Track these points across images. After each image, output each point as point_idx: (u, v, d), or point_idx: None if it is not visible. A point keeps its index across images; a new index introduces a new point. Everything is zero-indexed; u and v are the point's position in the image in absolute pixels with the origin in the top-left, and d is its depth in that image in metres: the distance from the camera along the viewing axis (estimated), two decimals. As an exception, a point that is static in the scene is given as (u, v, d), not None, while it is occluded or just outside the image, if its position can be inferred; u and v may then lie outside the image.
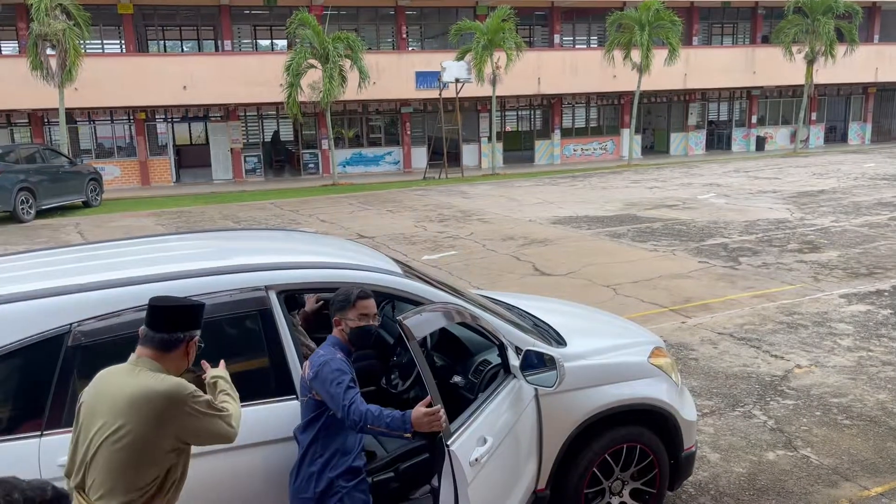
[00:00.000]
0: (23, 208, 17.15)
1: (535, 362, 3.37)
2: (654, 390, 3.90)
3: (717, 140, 34.24)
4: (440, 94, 25.30)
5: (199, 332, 2.48)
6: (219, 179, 26.70)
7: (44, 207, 17.92)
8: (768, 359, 6.68)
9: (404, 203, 18.93)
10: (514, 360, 3.38)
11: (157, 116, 26.90)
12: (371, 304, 3.07)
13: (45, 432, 2.69)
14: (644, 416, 3.89)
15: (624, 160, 29.78)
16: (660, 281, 9.68)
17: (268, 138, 30.75)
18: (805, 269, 10.08)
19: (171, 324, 2.41)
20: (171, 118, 27.49)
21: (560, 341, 3.89)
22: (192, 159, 29.56)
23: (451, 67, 24.41)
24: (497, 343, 3.41)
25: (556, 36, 30.63)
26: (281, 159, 30.44)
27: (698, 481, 4.61)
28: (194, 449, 2.70)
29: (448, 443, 2.73)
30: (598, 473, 3.79)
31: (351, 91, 23.36)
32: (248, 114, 28.25)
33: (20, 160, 17.69)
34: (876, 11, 34.67)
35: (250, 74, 24.76)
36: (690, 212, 15.52)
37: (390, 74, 26.38)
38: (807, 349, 6.89)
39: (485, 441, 2.97)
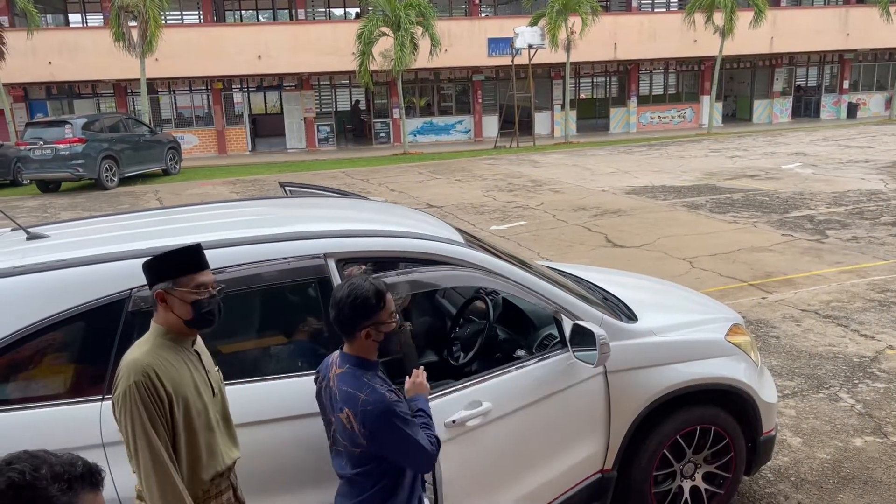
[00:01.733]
0: (107, 176, 17.81)
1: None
2: (730, 369, 3.67)
3: (805, 107, 32.54)
4: (512, 61, 24.85)
5: (169, 282, 2.23)
6: (292, 148, 27.11)
7: (126, 175, 18.57)
8: (857, 338, 6.27)
9: (473, 172, 18.74)
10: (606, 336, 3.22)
11: (233, 86, 27.43)
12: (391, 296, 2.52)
13: (105, 396, 2.70)
14: (720, 396, 3.67)
15: (703, 128, 28.67)
16: (739, 254, 9.24)
17: (342, 107, 30.96)
18: (900, 243, 9.45)
19: (148, 280, 2.30)
20: (247, 88, 28.00)
21: (631, 316, 3.69)
22: (266, 128, 30.11)
23: (525, 33, 23.88)
24: (553, 313, 3.26)
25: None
26: (353, 128, 30.66)
27: (778, 466, 4.35)
28: (261, 414, 2.63)
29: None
30: (669, 455, 3.60)
31: (422, 59, 23.20)
32: (321, 83, 28.48)
33: (104, 129, 18.33)
34: None
35: (323, 43, 24.92)
36: (774, 182, 14.78)
37: (462, 41, 26.06)
38: (900, 329, 6.44)
39: (479, 405, 2.91)
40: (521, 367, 3.17)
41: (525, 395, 3.12)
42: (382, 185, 16.94)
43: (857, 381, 5.45)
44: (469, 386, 3.01)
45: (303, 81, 27.03)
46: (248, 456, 2.58)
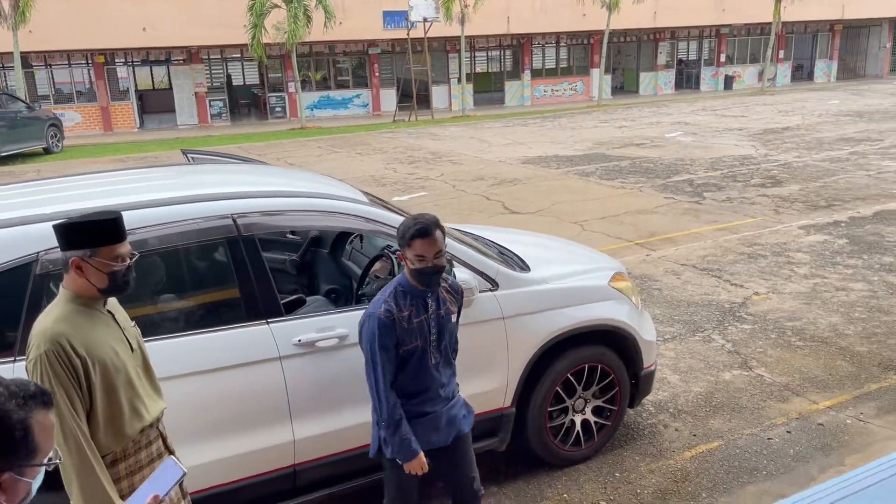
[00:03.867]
0: (-19, 155, 16.73)
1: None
2: (614, 312, 4.05)
3: (686, 79, 34.29)
4: (408, 34, 24.89)
5: (87, 251, 2.22)
6: (184, 124, 26.21)
7: (3, 154, 17.49)
8: (728, 287, 6.91)
9: (373, 145, 18.80)
10: (473, 282, 3.50)
11: (116, 60, 26.14)
12: (428, 243, 2.85)
13: (17, 358, 2.74)
14: (605, 336, 4.05)
15: (594, 100, 29.74)
16: (626, 216, 9.85)
17: (235, 81, 30.09)
18: (767, 202, 10.31)
19: (61, 244, 2.26)
20: (132, 62, 26.75)
21: (524, 267, 4.00)
22: (155, 104, 28.91)
23: (419, 6, 23.95)
24: (447, 261, 3.54)
25: (525, -27, 30.08)
26: (247, 102, 29.92)
27: (658, 400, 4.82)
28: (174, 370, 2.76)
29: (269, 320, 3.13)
30: (562, 392, 3.95)
31: (317, 31, 22.88)
32: (211, 57, 27.57)
33: (-25, 106, 17.16)
34: (845, -53, 34.51)
35: (213, 15, 24.09)
36: (658, 150, 15.65)
37: (357, 14, 25.84)
38: (765, 277, 7.13)
39: (332, 330, 3.27)
40: None
41: None
42: (280, 159, 16.74)
43: (727, 325, 6.03)
44: (327, 314, 3.36)
45: (192, 55, 26.09)
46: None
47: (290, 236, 4.93)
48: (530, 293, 3.79)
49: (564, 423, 4.02)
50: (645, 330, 4.24)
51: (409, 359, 2.98)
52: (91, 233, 2.22)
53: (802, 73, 36.44)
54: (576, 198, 11.18)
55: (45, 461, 1.37)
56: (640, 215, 9.88)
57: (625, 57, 34.39)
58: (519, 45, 30.71)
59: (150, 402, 2.43)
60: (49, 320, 2.23)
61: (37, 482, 1.37)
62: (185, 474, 1.73)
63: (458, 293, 3.18)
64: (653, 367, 4.32)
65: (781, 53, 34.61)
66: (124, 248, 2.28)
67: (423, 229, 2.85)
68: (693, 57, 35.02)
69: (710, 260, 7.75)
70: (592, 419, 4.11)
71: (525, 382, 3.82)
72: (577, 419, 4.07)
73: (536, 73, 31.26)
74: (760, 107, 24.38)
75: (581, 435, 4.08)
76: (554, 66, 32.38)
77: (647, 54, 33.19)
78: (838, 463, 4.03)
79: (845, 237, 8.40)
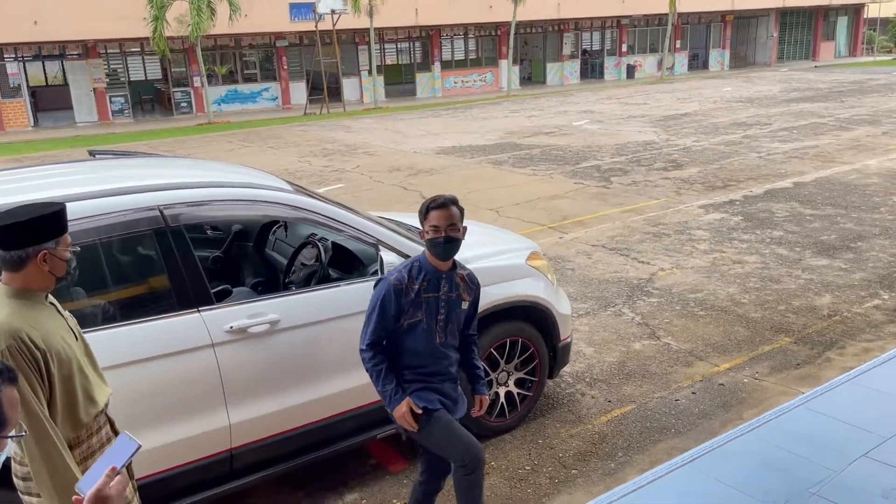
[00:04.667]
0: None
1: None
2: (532, 288, 4.29)
3: (591, 69, 35.35)
4: (316, 27, 24.66)
5: (53, 242, 2.26)
6: (83, 122, 25.09)
7: None
8: (636, 265, 7.32)
9: (286, 139, 18.60)
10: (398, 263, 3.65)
11: (5, 55, 24.73)
12: (443, 214, 3.04)
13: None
14: (524, 312, 4.28)
15: (503, 91, 30.28)
16: (539, 202, 10.20)
17: (134, 77, 29.00)
18: (669, 184, 10.90)
19: (15, 241, 2.23)
20: (23, 57, 25.36)
21: (446, 249, 4.17)
22: (50, 101, 27.52)
23: (327, -2, 23.76)
24: (374, 246, 3.69)
25: (431, -35, 30.26)
26: (150, 98, 28.90)
27: (575, 371, 5.11)
28: (107, 361, 2.79)
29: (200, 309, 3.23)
30: (486, 366, 4.16)
31: (221, 24, 22.37)
32: (109, 51, 26.48)
33: None
34: (733, -59, 36.38)
35: (110, 8, 23.12)
36: (566, 138, 16.18)
37: (263, 6, 25.37)
38: (669, 254, 7.59)
39: (263, 316, 3.35)
40: (325, 289, 3.63)
41: (326, 311, 3.54)
42: (190, 155, 16.33)
43: (636, 299, 6.42)
44: (259, 301, 3.44)
45: (89, 49, 24.98)
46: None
47: (213, 232, 4.94)
48: (453, 273, 3.96)
49: (490, 395, 4.23)
50: (561, 304, 4.50)
51: (414, 332, 3.11)
52: (58, 224, 2.28)
53: (698, 62, 38.20)
54: (490, 185, 11.47)
55: (12, 434, 1.44)
56: (552, 200, 10.26)
57: (532, 48, 35.13)
58: (428, 37, 30.90)
59: (99, 388, 2.48)
60: (2, 317, 2.22)
61: (4, 454, 1.44)
62: (140, 447, 1.80)
63: (474, 283, 3.32)
64: (569, 340, 4.59)
65: (679, 43, 36.18)
66: (68, 237, 2.35)
67: (439, 202, 3.06)
68: (597, 47, 36.14)
69: (618, 240, 8.17)
70: (515, 391, 4.35)
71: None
72: (501, 391, 4.29)
73: (447, 65, 31.54)
74: (661, 94, 25.48)
75: (505, 406, 4.30)
76: (463, 58, 32.75)
77: (553, 45, 34.02)
78: (737, 417, 4.41)
79: (740, 214, 9.00)
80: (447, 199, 3.08)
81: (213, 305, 3.30)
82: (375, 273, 3.78)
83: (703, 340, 5.53)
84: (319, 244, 4.07)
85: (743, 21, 38.90)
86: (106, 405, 2.48)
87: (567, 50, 34.00)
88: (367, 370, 3.15)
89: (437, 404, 3.13)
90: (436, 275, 3.13)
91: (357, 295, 3.64)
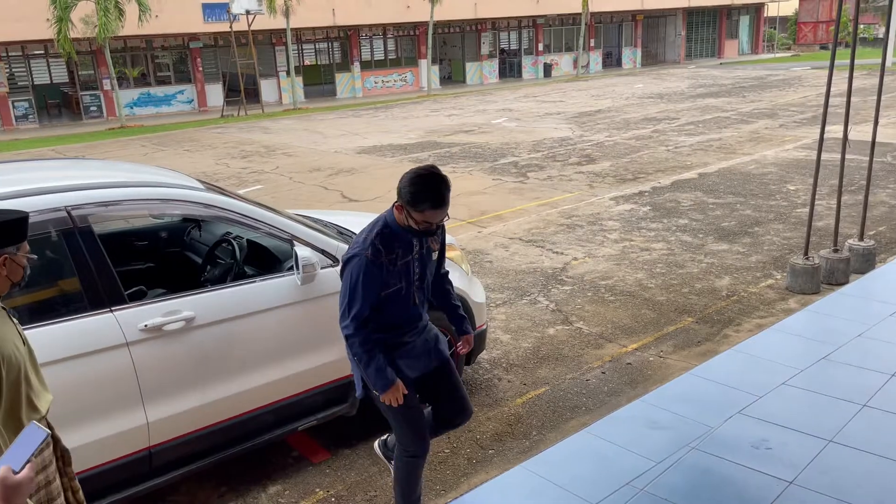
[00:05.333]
0: None
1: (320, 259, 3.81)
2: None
3: (509, 68, 35.97)
4: (231, 27, 24.22)
5: (14, 248, 2.28)
6: (-16, 128, 23.90)
7: None
8: (551, 255, 7.59)
9: (203, 142, 18.24)
10: (314, 258, 3.74)
11: None
12: (440, 214, 2.86)
13: None
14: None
15: (424, 90, 30.47)
16: (459, 198, 10.39)
17: (38, 80, 27.76)
18: (583, 178, 11.29)
19: None
20: (-86, 60, 23.98)
21: (361, 243, 4.28)
22: (-54, 107, 26.08)
23: (241, -2, 23.39)
24: (290, 242, 3.76)
25: (347, -35, 30.19)
26: (57, 103, 27.74)
27: (493, 358, 5.30)
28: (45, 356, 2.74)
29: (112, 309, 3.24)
30: (404, 355, 4.29)
31: (131, 25, 21.73)
32: (10, 54, 25.29)
33: None
34: (640, -57, 37.67)
35: (8, 8, 22.10)
36: (485, 135, 16.49)
37: (174, 6, 24.75)
38: (582, 244, 7.90)
39: (178, 314, 3.38)
40: (240, 286, 3.67)
41: (242, 307, 3.60)
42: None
43: (550, 288, 6.67)
44: (172, 299, 3.45)
45: (-12, 52, 23.82)
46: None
47: (132, 237, 4.89)
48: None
49: (408, 384, 4.36)
50: (475, 293, 4.67)
51: (391, 300, 2.99)
52: (20, 231, 2.28)
53: (612, 60, 39.39)
54: (411, 183, 11.58)
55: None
56: (472, 196, 10.48)
57: (451, 48, 35.47)
58: (346, 38, 30.79)
59: (41, 395, 2.46)
60: None
61: None
62: (48, 436, 1.83)
63: (440, 228, 3.13)
64: (484, 327, 4.77)
65: (593, 42, 37.22)
66: (27, 244, 2.35)
67: (441, 200, 2.82)
68: (514, 46, 36.79)
69: (534, 232, 8.44)
70: (434, 378, 4.48)
71: (369, 349, 4.11)
72: (420, 380, 4.42)
73: (366, 65, 31.51)
74: (576, 92, 26.18)
75: (425, 393, 4.44)
76: (383, 58, 32.78)
77: (471, 45, 34.45)
78: (644, 392, 4.68)
79: (648, 205, 9.43)
80: (445, 194, 2.85)
81: (127, 305, 3.31)
82: (291, 269, 3.86)
83: (613, 324, 5.81)
84: (234, 242, 4.11)
85: (653, 20, 40.33)
86: (47, 411, 2.46)
87: (485, 49, 34.49)
88: (353, 353, 3.02)
89: (402, 379, 3.02)
90: (408, 238, 2.97)
91: (273, 290, 3.72)
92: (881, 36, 34.89)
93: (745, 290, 6.37)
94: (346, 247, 4.06)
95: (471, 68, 34.28)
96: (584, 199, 9.96)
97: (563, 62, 36.84)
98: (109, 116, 25.41)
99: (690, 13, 40.51)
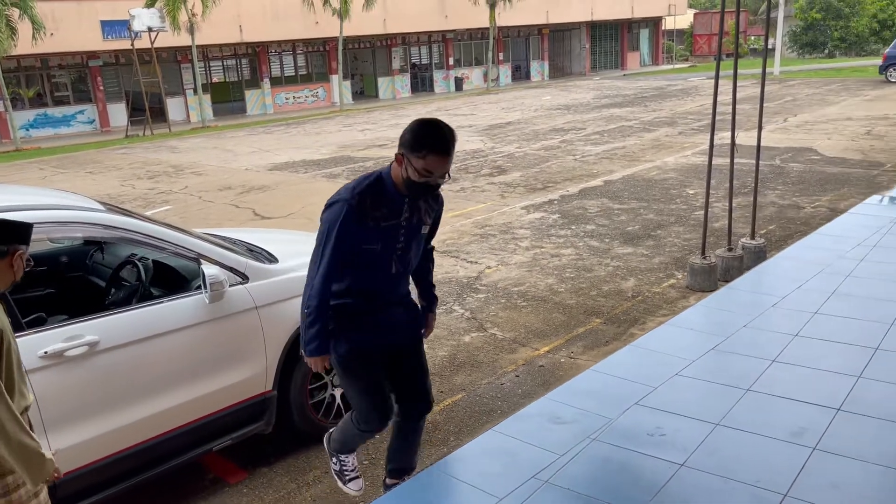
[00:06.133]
0: None
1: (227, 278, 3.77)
2: (359, 291, 4.47)
3: (421, 82, 36.31)
4: (133, 45, 23.53)
5: (25, 247, 2.45)
6: None
7: None
8: (465, 265, 7.73)
9: (106, 163, 17.61)
10: (221, 276, 3.72)
11: None
12: (444, 161, 2.62)
13: None
14: (354, 314, 4.46)
15: (336, 106, 30.38)
16: (373, 212, 10.43)
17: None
18: (495, 189, 11.53)
19: (4, 236, 2.39)
20: None
21: (273, 259, 4.28)
22: None
23: (142, 15, 22.78)
24: (196, 260, 3.73)
25: (252, -19, 29.84)
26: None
27: (409, 368, 5.36)
28: None
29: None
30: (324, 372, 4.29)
31: (24, 44, 20.78)
32: None
33: None
34: (543, -40, 38.84)
35: None
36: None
37: (70, 24, 23.86)
38: (495, 253, 8.08)
39: (80, 338, 3.30)
40: (146, 307, 3.60)
41: (149, 329, 3.53)
42: (-4, 186, 15.07)
43: (465, 296, 6.80)
44: (73, 323, 3.35)
45: None
46: None
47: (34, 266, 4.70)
48: (280, 282, 4.08)
49: (325, 398, 4.37)
50: (389, 305, 4.72)
51: (366, 263, 2.80)
52: (30, 234, 2.47)
53: (521, 73, 40.33)
54: (325, 199, 11.53)
55: None
56: (386, 210, 10.53)
57: (362, 63, 35.52)
58: (255, 54, 30.39)
59: (26, 390, 2.51)
60: None
61: None
62: None
63: (438, 202, 2.99)
64: (400, 338, 4.82)
65: (502, 56, 38.03)
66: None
67: (445, 145, 2.60)
68: (425, 61, 37.17)
69: (448, 243, 8.57)
70: (351, 391, 4.51)
71: (284, 365, 4.10)
72: (337, 393, 4.43)
73: (276, 81, 31.17)
74: (487, 105, 26.68)
75: (342, 407, 4.45)
76: (293, 74, 32.50)
77: (383, 59, 34.60)
78: (555, 393, 4.85)
79: (558, 213, 9.73)
80: (450, 141, 2.64)
81: (24, 332, 3.20)
82: (199, 288, 3.82)
83: (526, 328, 5.98)
84: (139, 263, 4.03)
85: (558, 34, 41.56)
86: (28, 407, 2.50)
87: (397, 64, 34.71)
88: (306, 306, 2.85)
89: (366, 349, 2.89)
90: (399, 200, 2.75)
91: (180, 310, 3.67)
92: (771, 46, 37.13)
93: (649, 291, 6.67)
94: (257, 264, 4.07)
95: (383, 83, 34.42)
96: (497, 209, 10.18)
97: (473, 76, 37.47)
98: (3, 139, 24.18)
99: (594, 27, 41.97)
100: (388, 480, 3.51)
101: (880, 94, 21.96)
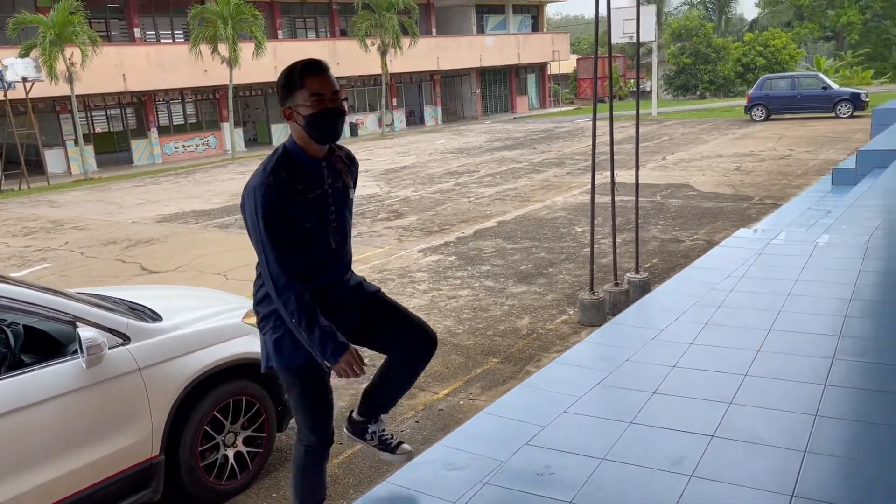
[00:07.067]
0: None
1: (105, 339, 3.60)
2: (251, 345, 4.36)
3: (316, 128, 36.19)
4: (6, 96, 22.34)
5: None
6: None
7: None
8: (363, 311, 7.68)
9: (-23, 221, 16.51)
10: (100, 339, 3.56)
11: None
12: (324, 80, 2.50)
13: None
14: (246, 369, 4.35)
15: (228, 154, 29.82)
16: (268, 262, 10.24)
17: None
18: (392, 233, 11.59)
19: None
20: None
21: (157, 317, 4.13)
22: None
23: (15, 65, 21.74)
24: (72, 324, 3.56)
25: (136, 30, 29.13)
26: None
27: (307, 421, 5.25)
28: None
29: None
30: (210, 430, 4.15)
31: None
32: None
33: None
34: (431, 8, 39.97)
35: None
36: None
37: (-66, 74, 22.41)
38: (393, 297, 8.06)
39: None
40: (14, 376, 3.38)
41: (21, 398, 3.32)
42: None
43: (364, 343, 6.75)
44: None
45: None
46: None
47: None
48: (164, 341, 3.94)
49: (217, 459, 4.22)
50: (282, 357, 4.63)
51: (303, 242, 2.56)
52: None
53: (415, 118, 40.99)
54: (217, 250, 11.27)
55: None
56: (281, 259, 10.36)
57: (254, 110, 35.13)
58: (141, 103, 29.50)
59: None
60: None
61: None
62: None
63: (354, 162, 2.79)
64: (295, 390, 4.73)
65: (395, 101, 38.56)
66: None
67: (314, 64, 2.51)
68: (319, 107, 37.14)
69: (345, 290, 8.51)
70: (245, 450, 4.37)
71: (171, 428, 3.93)
72: (230, 452, 4.29)
73: (165, 130, 30.31)
74: (382, 150, 26.91)
75: (236, 467, 4.30)
76: (183, 122, 31.70)
77: (276, 106, 34.29)
78: (455, 436, 4.87)
79: (454, 254, 9.88)
80: (319, 61, 2.55)
81: None
82: (75, 353, 3.63)
83: (425, 372, 5.90)
84: (8, 330, 3.80)
85: (449, 79, 42.64)
86: None
87: (287, 111, 34.53)
88: (290, 313, 2.51)
89: (315, 360, 2.61)
90: (314, 165, 2.53)
91: (55, 377, 3.47)
92: (649, 89, 39.47)
93: (543, 328, 6.85)
94: (140, 323, 3.91)
95: (277, 130, 34.12)
96: (394, 253, 10.22)
97: (368, 121, 37.76)
98: None
99: (483, 72, 43.33)
100: (369, 428, 3.22)
101: (747, 132, 23.71)
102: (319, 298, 2.62)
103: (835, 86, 26.79)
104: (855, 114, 25.08)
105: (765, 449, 2.54)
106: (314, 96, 2.47)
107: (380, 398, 3.23)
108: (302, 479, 3.07)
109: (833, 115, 25.49)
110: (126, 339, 3.76)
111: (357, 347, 2.68)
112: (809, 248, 5.34)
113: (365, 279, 3.06)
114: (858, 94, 25.83)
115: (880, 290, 4.48)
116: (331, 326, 2.52)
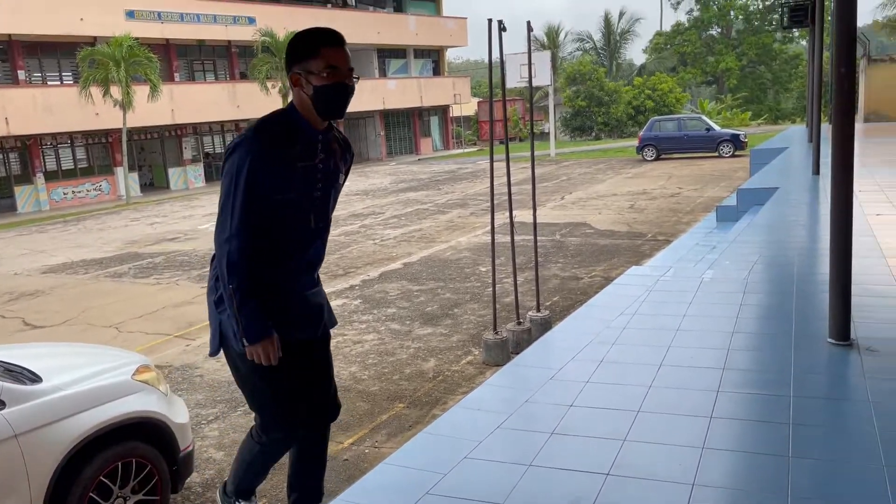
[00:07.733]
0: None
1: None
2: (141, 403, 4.17)
3: (216, 171, 35.35)
4: None
5: None
6: None
7: None
8: (265, 360, 7.48)
9: None
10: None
11: None
12: (344, 54, 2.36)
13: None
14: (136, 429, 4.14)
15: (122, 199, 28.67)
16: (164, 311, 9.85)
17: None
18: (295, 278, 11.39)
19: None
20: None
21: (35, 379, 3.88)
22: None
23: None
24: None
25: (20, 72, 27.82)
26: None
27: (205, 480, 5.03)
28: None
29: None
30: (97, 497, 3.90)
31: None
32: None
33: None
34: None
35: None
36: (191, 242, 15.94)
37: None
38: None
39: None
40: None
41: None
42: None
43: (266, 394, 6.55)
44: None
45: None
46: None
47: None
48: (44, 404, 3.70)
49: (106, 526, 3.96)
50: (176, 413, 4.44)
51: (281, 215, 2.38)
52: None
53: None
54: (109, 301, 10.75)
55: None
56: (179, 308, 10.00)
57: (150, 153, 34.02)
58: (26, 147, 28.03)
59: None
60: None
61: None
62: None
63: (350, 151, 2.69)
64: (190, 448, 4.53)
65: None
66: None
67: (334, 34, 2.35)
68: (220, 150, 36.41)
69: (247, 339, 8.27)
70: (136, 515, 4.13)
71: (53, 495, 3.68)
72: (121, 517, 4.04)
73: (52, 176, 28.86)
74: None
75: (127, 534, 4.06)
76: (73, 167, 30.27)
77: (173, 149, 33.40)
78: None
79: (359, 298, 9.80)
80: (340, 35, 2.41)
81: None
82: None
83: (329, 421, 5.86)
84: None
85: (354, 122, 42.79)
86: None
87: (188, 154, 33.67)
88: (229, 281, 2.32)
89: (286, 343, 2.45)
90: (312, 135, 2.44)
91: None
92: (547, 130, 40.87)
93: (449, 369, 6.87)
94: (16, 386, 3.67)
95: (174, 173, 33.13)
96: (297, 298, 10.04)
97: (270, 164, 37.24)
98: None
99: (387, 115, 43.74)
100: None
101: (639, 171, 24.89)
102: (289, 293, 2.51)
103: (717, 127, 28.61)
104: (736, 153, 26.80)
105: (656, 484, 2.62)
106: (330, 68, 2.37)
107: (296, 493, 3.07)
108: (246, 470, 2.91)
109: (716, 154, 27.13)
110: (1, 404, 3.51)
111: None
112: (696, 284, 5.61)
113: (330, 308, 2.89)
114: (738, 135, 27.68)
115: (759, 323, 4.75)
116: (260, 311, 2.37)
